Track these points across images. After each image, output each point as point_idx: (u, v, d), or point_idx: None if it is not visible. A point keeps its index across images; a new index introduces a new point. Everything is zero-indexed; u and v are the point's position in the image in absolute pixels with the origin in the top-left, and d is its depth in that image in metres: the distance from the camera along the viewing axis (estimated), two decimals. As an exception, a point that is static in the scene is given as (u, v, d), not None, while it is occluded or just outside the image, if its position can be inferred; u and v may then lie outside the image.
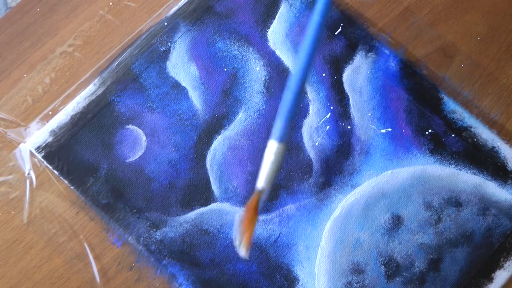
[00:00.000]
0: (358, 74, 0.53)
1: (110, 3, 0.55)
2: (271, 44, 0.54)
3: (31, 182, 0.49)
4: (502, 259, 0.48)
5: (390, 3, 0.55)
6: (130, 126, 0.51)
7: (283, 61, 0.53)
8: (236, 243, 0.38)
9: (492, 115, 0.52)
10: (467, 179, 0.50)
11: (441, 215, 0.49)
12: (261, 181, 0.38)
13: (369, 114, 0.52)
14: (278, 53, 0.54)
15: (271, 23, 0.54)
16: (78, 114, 0.51)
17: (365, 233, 0.49)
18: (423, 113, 0.52)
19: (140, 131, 0.51)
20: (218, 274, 0.47)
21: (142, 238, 0.48)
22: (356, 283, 0.47)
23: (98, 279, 0.47)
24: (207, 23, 0.54)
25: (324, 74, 0.53)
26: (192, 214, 0.49)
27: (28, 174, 0.49)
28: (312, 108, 0.52)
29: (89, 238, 0.48)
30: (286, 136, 0.39)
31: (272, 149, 0.38)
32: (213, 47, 0.54)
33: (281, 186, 0.50)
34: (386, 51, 0.54)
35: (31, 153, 0.50)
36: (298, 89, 0.39)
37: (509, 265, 0.48)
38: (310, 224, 0.49)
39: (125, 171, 0.50)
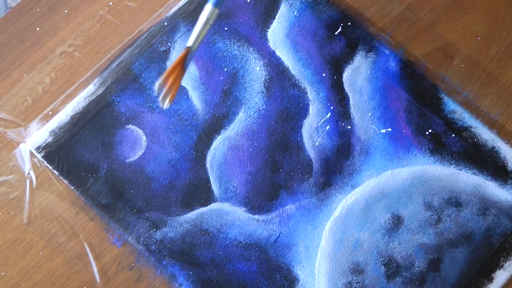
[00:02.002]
0: (358, 74, 0.53)
1: (110, 3, 0.55)
2: (271, 44, 0.54)
3: (31, 182, 0.49)
4: (502, 259, 0.48)
5: (390, 3, 0.55)
6: (130, 126, 0.51)
7: (283, 61, 0.53)
8: (159, 95, 0.42)
9: (492, 115, 0.52)
10: (467, 179, 0.50)
11: (441, 215, 0.49)
12: (192, 40, 0.42)
13: (369, 114, 0.52)
14: (278, 53, 0.54)
15: (271, 23, 0.54)
16: (78, 114, 0.51)
17: (365, 233, 0.49)
18: (423, 113, 0.52)
19: (140, 131, 0.51)
20: (218, 274, 0.47)
21: (142, 238, 0.48)
22: (356, 283, 0.47)
23: (98, 279, 0.47)
24: (207, 23, 0.54)
25: (324, 74, 0.53)
26: (192, 214, 0.49)
27: (28, 174, 0.49)
28: (312, 108, 0.52)
29: (89, 238, 0.48)
30: (221, 3, 0.42)
31: (206, 12, 0.42)
32: (213, 47, 0.54)
33: (281, 186, 0.50)
34: (386, 51, 0.54)
35: (31, 153, 0.50)
36: None
37: (509, 265, 0.48)
38: (310, 224, 0.49)
39: (125, 171, 0.50)
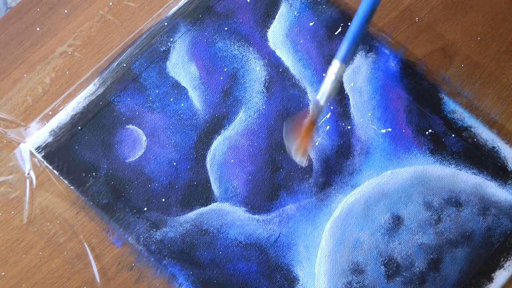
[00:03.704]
0: (358, 74, 0.53)
1: (110, 3, 0.55)
2: (271, 44, 0.54)
3: (31, 182, 0.49)
4: (502, 259, 0.48)
5: (390, 3, 0.55)
6: (130, 126, 0.51)
7: (283, 61, 0.53)
8: (292, 151, 0.42)
9: (492, 115, 0.52)
10: (467, 179, 0.50)
11: (441, 215, 0.49)
12: (322, 98, 0.42)
13: (369, 114, 0.52)
14: (278, 53, 0.54)
15: (271, 23, 0.54)
16: (78, 114, 0.51)
17: (365, 233, 0.49)
18: (423, 113, 0.52)
19: (140, 131, 0.51)
20: (218, 274, 0.47)
21: (142, 238, 0.48)
22: (356, 283, 0.47)
23: (98, 279, 0.47)
24: (207, 23, 0.54)
25: (324, 74, 0.53)
26: (192, 214, 0.49)
27: (28, 174, 0.49)
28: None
29: (89, 238, 0.48)
30: (349, 58, 0.42)
31: (334, 68, 0.41)
32: (213, 47, 0.54)
33: (281, 186, 0.50)
34: (386, 51, 0.54)
35: (31, 153, 0.50)
36: (367, 15, 0.41)
37: (509, 265, 0.48)
38: (310, 224, 0.49)
39: (125, 171, 0.50)
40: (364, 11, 0.42)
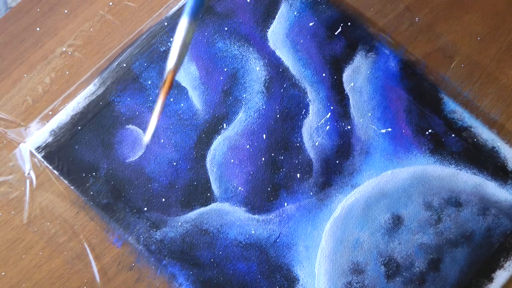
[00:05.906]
0: (358, 74, 0.53)
1: (110, 3, 0.55)
2: (271, 44, 0.54)
3: (31, 182, 0.49)
4: (502, 259, 0.48)
5: (390, 3, 0.55)
6: (130, 126, 0.51)
7: (283, 61, 0.53)
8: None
9: (492, 115, 0.52)
10: (467, 179, 0.50)
11: (441, 215, 0.49)
12: (172, 62, 0.37)
13: (369, 114, 0.52)
14: (278, 53, 0.54)
15: (271, 23, 0.54)
16: (78, 114, 0.51)
17: (365, 233, 0.49)
18: (423, 113, 0.52)
19: (140, 131, 0.51)
20: (218, 274, 0.47)
21: (142, 238, 0.48)
22: (356, 283, 0.47)
23: (98, 279, 0.47)
24: (207, 23, 0.54)
25: (324, 74, 0.53)
26: (192, 214, 0.49)
27: (28, 174, 0.49)
28: (312, 108, 0.52)
29: (89, 238, 0.48)
30: (198, 13, 0.37)
31: (182, 26, 0.36)
32: (213, 47, 0.54)
33: (281, 186, 0.50)
34: (386, 51, 0.54)
35: (31, 153, 0.50)
36: None
37: (509, 265, 0.48)
38: (310, 224, 0.49)
39: (125, 171, 0.50)
40: None
